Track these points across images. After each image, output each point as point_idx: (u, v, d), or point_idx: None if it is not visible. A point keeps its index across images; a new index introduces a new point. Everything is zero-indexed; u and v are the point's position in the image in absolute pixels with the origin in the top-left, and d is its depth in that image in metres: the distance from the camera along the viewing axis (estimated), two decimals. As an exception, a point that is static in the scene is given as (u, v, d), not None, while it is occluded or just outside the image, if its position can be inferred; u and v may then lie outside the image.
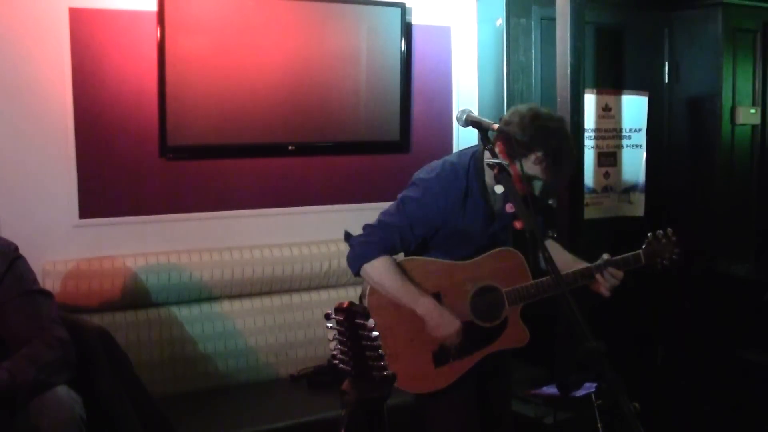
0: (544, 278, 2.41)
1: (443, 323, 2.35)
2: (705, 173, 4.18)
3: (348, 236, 2.45)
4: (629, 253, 2.50)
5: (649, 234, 2.54)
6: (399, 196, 2.46)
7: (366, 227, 2.43)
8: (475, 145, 2.56)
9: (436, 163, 2.50)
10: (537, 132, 2.29)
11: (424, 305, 2.35)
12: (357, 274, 2.41)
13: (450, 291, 2.41)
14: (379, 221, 2.42)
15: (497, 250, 2.45)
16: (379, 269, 2.35)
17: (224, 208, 3.56)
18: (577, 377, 3.06)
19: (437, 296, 2.40)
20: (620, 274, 2.45)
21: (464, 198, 2.41)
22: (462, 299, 2.41)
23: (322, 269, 3.62)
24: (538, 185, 2.37)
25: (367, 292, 2.40)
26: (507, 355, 2.61)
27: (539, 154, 2.30)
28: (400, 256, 2.47)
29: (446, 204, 2.39)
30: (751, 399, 3.76)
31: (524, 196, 2.16)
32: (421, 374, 2.40)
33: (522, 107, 2.39)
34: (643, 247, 2.51)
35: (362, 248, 2.38)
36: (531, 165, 2.30)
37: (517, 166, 2.19)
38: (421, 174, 2.48)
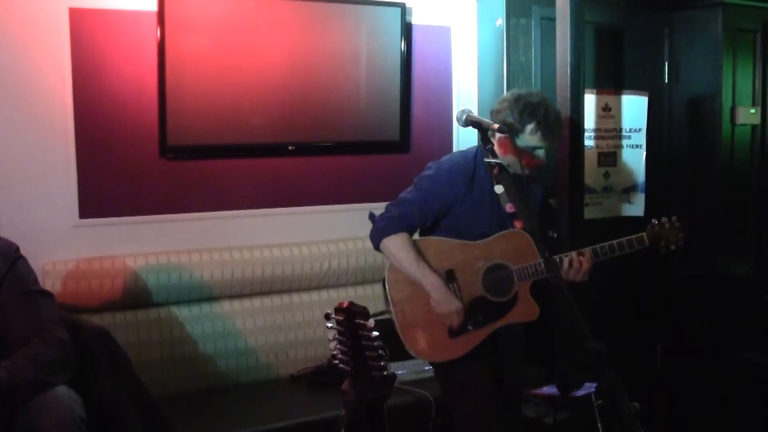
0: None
1: (444, 301, 2.55)
2: (705, 173, 4.18)
3: (372, 215, 2.71)
4: (633, 235, 2.63)
5: (653, 219, 2.66)
6: (416, 177, 2.71)
7: (388, 205, 2.69)
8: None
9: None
10: (525, 107, 2.56)
11: (430, 281, 2.55)
12: (377, 248, 2.65)
13: (463, 268, 2.61)
14: (399, 198, 2.68)
15: (506, 231, 2.63)
16: (396, 243, 2.59)
17: (224, 208, 3.56)
18: (577, 377, 3.07)
19: (451, 272, 2.60)
20: (587, 264, 2.58)
21: (473, 176, 2.63)
22: (474, 276, 2.60)
23: (322, 269, 3.62)
24: (540, 153, 2.64)
25: (387, 268, 2.63)
26: (521, 343, 2.80)
27: (532, 125, 2.57)
28: (417, 236, 2.69)
29: (456, 179, 2.62)
30: (751, 399, 3.77)
31: (523, 184, 2.28)
32: (437, 344, 2.59)
33: (504, 95, 2.71)
34: (647, 229, 2.64)
35: (383, 222, 2.63)
36: (529, 137, 2.57)
37: (518, 141, 2.48)
38: (434, 161, 2.75)
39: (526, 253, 2.60)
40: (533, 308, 2.62)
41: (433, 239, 2.66)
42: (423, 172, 2.71)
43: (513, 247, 2.61)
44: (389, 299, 2.61)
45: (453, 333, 2.59)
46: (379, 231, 2.62)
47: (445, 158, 2.73)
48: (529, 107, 2.56)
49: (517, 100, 2.59)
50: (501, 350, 2.71)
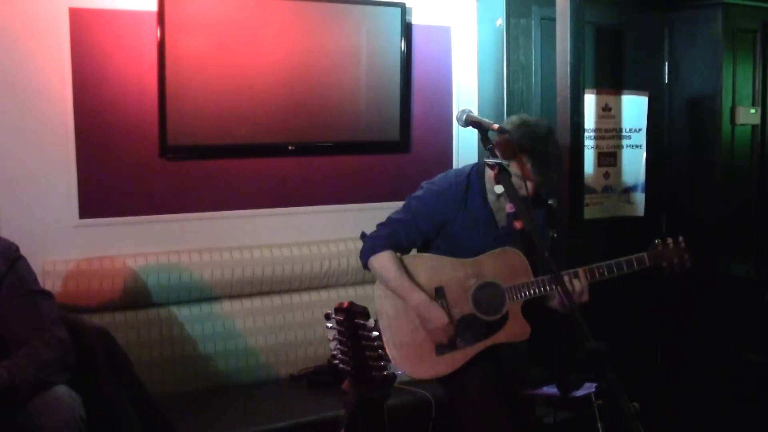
0: (544, 277, 2.53)
1: (430, 317, 2.53)
2: (705, 173, 4.18)
3: (363, 235, 2.71)
4: (633, 255, 2.56)
5: (657, 239, 2.58)
6: (407, 197, 2.70)
7: (378, 225, 2.69)
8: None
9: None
10: (524, 137, 2.49)
11: (414, 299, 2.55)
12: (365, 266, 2.66)
13: (453, 285, 2.58)
14: (388, 218, 2.68)
15: (500, 249, 2.59)
16: (382, 262, 2.59)
17: (224, 208, 3.56)
18: (577, 377, 3.06)
19: (441, 289, 2.57)
20: (579, 287, 2.51)
21: (465, 196, 2.60)
22: (464, 293, 2.57)
23: (322, 269, 3.62)
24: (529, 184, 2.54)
25: (377, 283, 2.64)
26: (524, 352, 2.77)
27: (525, 156, 2.49)
28: (414, 252, 2.72)
29: (446, 201, 2.59)
30: (750, 399, 3.76)
31: (525, 196, 2.27)
32: (423, 361, 2.58)
33: (514, 116, 2.63)
34: (650, 249, 2.57)
35: (371, 242, 2.64)
36: (521, 166, 2.48)
37: (513, 166, 2.40)
38: (428, 180, 2.73)
39: (518, 271, 2.57)
40: (524, 328, 2.58)
41: (424, 256, 2.65)
42: (416, 191, 2.70)
43: (505, 265, 2.58)
44: (378, 313, 2.60)
45: (440, 350, 2.57)
46: (367, 250, 2.63)
47: (437, 178, 2.70)
48: (529, 137, 2.50)
49: (521, 125, 2.54)
50: (502, 360, 2.68)
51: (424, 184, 2.70)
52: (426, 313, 2.54)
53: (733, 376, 3.93)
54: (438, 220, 2.61)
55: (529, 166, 2.49)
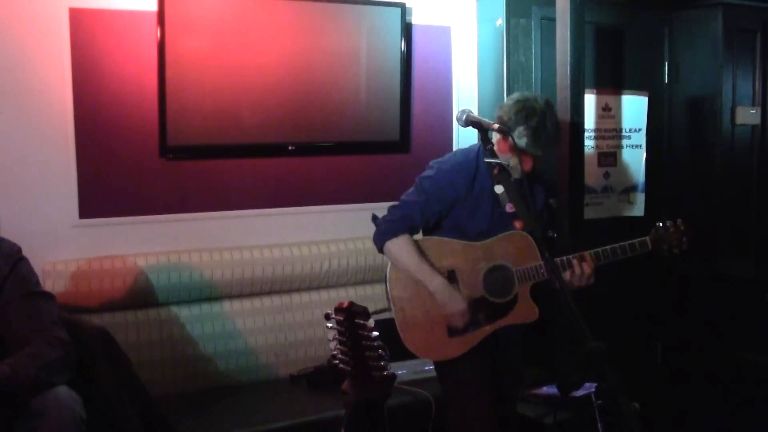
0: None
1: (449, 302, 2.57)
2: (705, 173, 4.18)
3: (375, 218, 2.71)
4: (636, 239, 2.62)
5: (657, 223, 2.65)
6: (417, 178, 2.70)
7: (390, 208, 2.69)
8: None
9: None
10: (522, 109, 2.55)
11: (434, 283, 2.57)
12: (381, 250, 2.66)
13: (464, 268, 2.62)
14: (401, 200, 2.68)
15: (508, 232, 2.63)
16: (399, 246, 2.60)
17: (224, 208, 3.56)
18: (577, 377, 3.07)
19: (452, 272, 2.61)
20: (588, 270, 2.57)
21: (474, 176, 2.63)
22: (475, 276, 2.62)
23: (322, 269, 3.62)
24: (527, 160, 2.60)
25: (390, 266, 2.65)
26: (518, 342, 2.80)
27: (522, 127, 2.54)
28: (420, 235, 2.72)
29: (457, 179, 2.62)
30: (751, 399, 3.77)
31: (523, 184, 2.37)
32: (435, 343, 2.61)
33: (515, 93, 2.68)
34: (651, 233, 2.63)
35: (386, 226, 2.64)
36: (517, 139, 2.52)
37: (510, 139, 2.40)
38: (435, 159, 2.75)
39: (527, 254, 2.60)
40: (533, 310, 2.62)
41: (434, 239, 2.66)
42: (425, 171, 2.70)
43: (514, 248, 2.62)
44: (390, 297, 2.62)
45: (452, 333, 2.60)
46: (382, 234, 2.64)
47: (446, 157, 2.73)
48: (526, 110, 2.55)
49: (519, 100, 2.59)
50: (500, 348, 2.72)
51: (433, 163, 2.71)
52: (445, 298, 2.57)
53: (733, 376, 3.93)
54: (450, 199, 2.63)
55: (526, 140, 2.53)
